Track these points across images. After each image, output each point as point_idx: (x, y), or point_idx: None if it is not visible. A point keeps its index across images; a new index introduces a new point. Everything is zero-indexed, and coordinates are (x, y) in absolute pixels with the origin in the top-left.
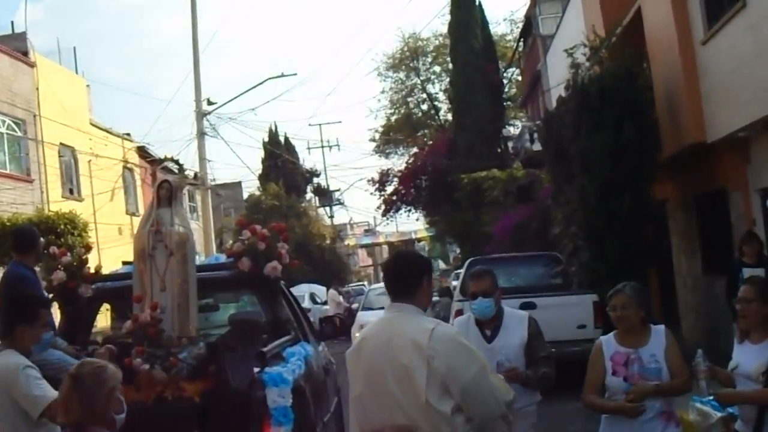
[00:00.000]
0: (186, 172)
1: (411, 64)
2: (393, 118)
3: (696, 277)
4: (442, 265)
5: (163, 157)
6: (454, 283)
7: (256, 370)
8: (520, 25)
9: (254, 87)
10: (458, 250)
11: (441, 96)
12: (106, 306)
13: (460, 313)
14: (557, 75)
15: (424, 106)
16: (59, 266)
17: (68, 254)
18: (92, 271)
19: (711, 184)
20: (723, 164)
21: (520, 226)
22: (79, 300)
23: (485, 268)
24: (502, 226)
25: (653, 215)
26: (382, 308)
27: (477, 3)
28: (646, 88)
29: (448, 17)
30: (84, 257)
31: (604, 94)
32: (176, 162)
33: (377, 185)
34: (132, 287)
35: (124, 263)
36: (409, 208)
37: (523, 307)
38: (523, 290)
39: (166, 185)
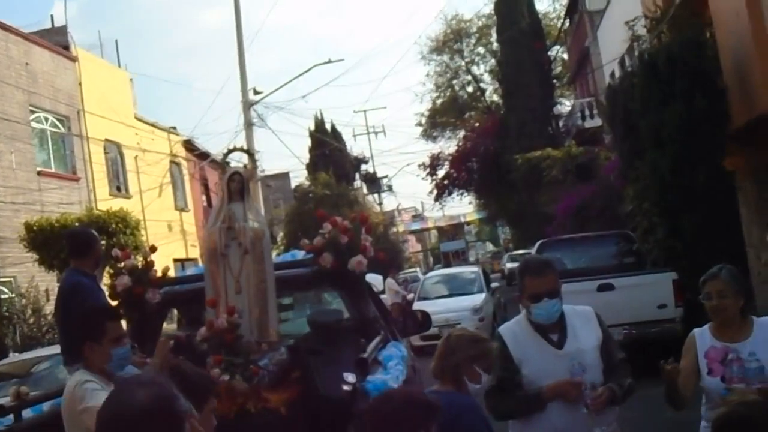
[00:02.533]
0: (257, 162)
1: (455, 47)
2: (438, 102)
3: None
4: (491, 246)
5: (228, 148)
6: (509, 265)
7: (352, 378)
8: (564, 2)
9: (301, 74)
10: (509, 232)
11: (486, 77)
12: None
13: None
14: (609, 51)
15: (470, 88)
16: (123, 270)
17: (131, 256)
18: (159, 274)
19: None
20: None
21: (583, 205)
22: (146, 306)
23: (545, 260)
24: (564, 206)
25: (728, 188)
26: (441, 297)
27: None
28: (713, 58)
29: None
30: (150, 259)
31: (673, 65)
32: (246, 151)
33: (428, 169)
34: (203, 290)
35: (176, 261)
36: (461, 191)
37: (601, 288)
38: (597, 271)
39: (237, 177)
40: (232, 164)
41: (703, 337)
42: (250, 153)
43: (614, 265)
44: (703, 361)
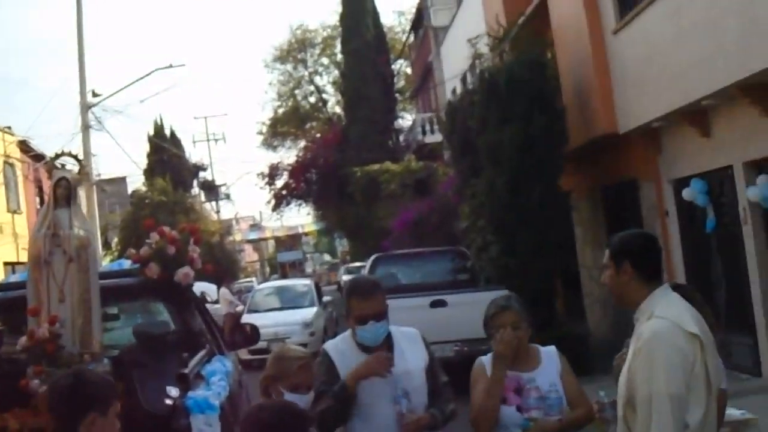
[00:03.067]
0: (85, 168)
1: (299, 56)
2: (280, 111)
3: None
4: (328, 258)
5: (56, 152)
6: (345, 277)
7: (174, 392)
8: (409, 16)
9: (142, 78)
10: (346, 244)
11: (329, 88)
12: None
13: None
14: (452, 67)
15: (312, 99)
16: None
17: None
18: None
19: (620, 175)
20: (633, 155)
21: (420, 220)
22: None
23: (373, 281)
24: (401, 221)
25: (563, 208)
26: (271, 310)
27: None
28: (553, 78)
29: (338, 8)
30: None
31: (513, 85)
32: (74, 157)
33: (267, 179)
34: (26, 298)
35: (6, 264)
36: (299, 202)
37: (434, 304)
38: (431, 287)
39: (63, 183)
40: (68, 167)
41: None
42: (78, 158)
43: (448, 281)
44: None
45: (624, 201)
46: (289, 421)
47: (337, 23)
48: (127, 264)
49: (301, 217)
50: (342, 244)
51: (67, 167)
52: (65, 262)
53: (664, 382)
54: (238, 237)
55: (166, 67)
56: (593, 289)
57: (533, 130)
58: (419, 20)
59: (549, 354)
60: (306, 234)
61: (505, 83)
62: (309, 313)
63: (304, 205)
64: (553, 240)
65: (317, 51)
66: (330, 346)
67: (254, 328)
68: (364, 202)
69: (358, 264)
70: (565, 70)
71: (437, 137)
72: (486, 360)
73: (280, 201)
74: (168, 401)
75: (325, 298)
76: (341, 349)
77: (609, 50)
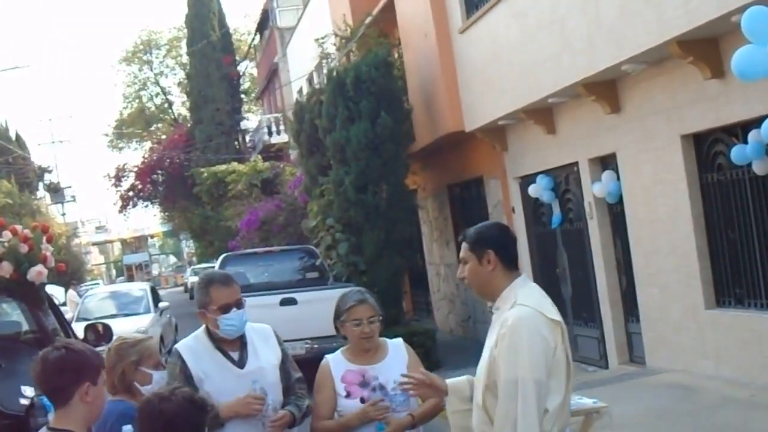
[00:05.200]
0: None
1: (144, 57)
2: (126, 112)
3: (450, 266)
4: (174, 260)
5: None
6: (192, 278)
7: (30, 392)
8: (255, 18)
9: None
10: (192, 245)
11: (175, 89)
12: None
13: None
14: (298, 67)
15: (158, 100)
16: None
17: None
18: None
19: (466, 173)
20: (479, 153)
21: (267, 220)
22: None
23: (228, 273)
24: (248, 221)
25: (410, 206)
26: (103, 318)
27: None
28: (400, 78)
29: (184, 9)
30: None
31: (360, 84)
32: None
33: (113, 180)
34: None
35: None
36: (146, 203)
37: (284, 302)
38: (281, 286)
39: None
40: None
41: (337, 362)
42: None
43: (297, 279)
44: (340, 385)
45: (470, 198)
46: (193, 411)
47: (183, 24)
48: None
49: (147, 218)
50: (188, 246)
51: None
52: None
53: (528, 367)
54: (84, 239)
55: (11, 69)
56: (440, 286)
57: (380, 128)
58: (265, 21)
59: (396, 346)
60: (152, 236)
61: (352, 82)
62: (144, 320)
63: (150, 206)
64: (400, 238)
65: (163, 52)
66: (182, 346)
67: (106, 327)
68: (211, 202)
69: (204, 265)
70: (412, 70)
71: (283, 138)
72: (332, 359)
73: (126, 202)
74: (24, 400)
75: (162, 304)
76: (194, 349)
77: (455, 49)
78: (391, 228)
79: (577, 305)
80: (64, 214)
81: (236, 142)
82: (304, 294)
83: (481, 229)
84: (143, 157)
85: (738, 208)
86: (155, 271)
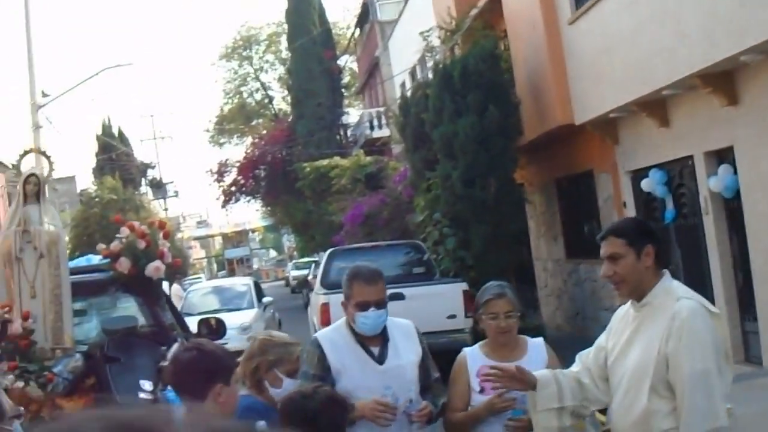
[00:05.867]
0: (53, 165)
1: (244, 53)
2: (226, 108)
3: (558, 261)
4: (274, 254)
5: (25, 149)
6: (294, 272)
7: (148, 386)
8: (355, 11)
9: (90, 78)
10: (293, 240)
11: (275, 85)
12: None
13: (326, 306)
14: (401, 61)
15: (258, 96)
16: None
17: None
18: None
19: (575, 167)
20: (589, 146)
21: (371, 214)
22: None
23: (376, 269)
24: (353, 215)
25: (518, 201)
26: (206, 313)
27: None
28: (507, 71)
29: (283, 4)
30: None
31: (467, 77)
32: (43, 153)
33: (216, 176)
34: None
35: None
36: (248, 198)
37: (392, 298)
38: (388, 280)
39: (33, 179)
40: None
41: (474, 356)
42: (46, 155)
43: (405, 274)
44: (475, 380)
45: (579, 193)
46: (335, 409)
47: (282, 20)
48: (95, 259)
49: (248, 213)
50: (289, 240)
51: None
52: (36, 258)
53: (712, 357)
54: (186, 234)
55: (114, 66)
56: (547, 281)
57: (488, 122)
58: (365, 15)
59: (536, 346)
60: (253, 230)
61: (459, 76)
62: (247, 315)
63: (252, 201)
64: (508, 233)
65: (262, 48)
66: (322, 336)
67: (219, 322)
68: (313, 197)
69: (306, 259)
70: (519, 62)
71: (385, 132)
72: (469, 352)
73: (229, 197)
74: (144, 394)
75: (266, 299)
76: (334, 340)
77: (564, 41)
78: (498, 223)
79: None
80: (166, 210)
81: (338, 137)
82: (411, 289)
83: (636, 223)
84: (245, 152)
85: None
86: (255, 265)
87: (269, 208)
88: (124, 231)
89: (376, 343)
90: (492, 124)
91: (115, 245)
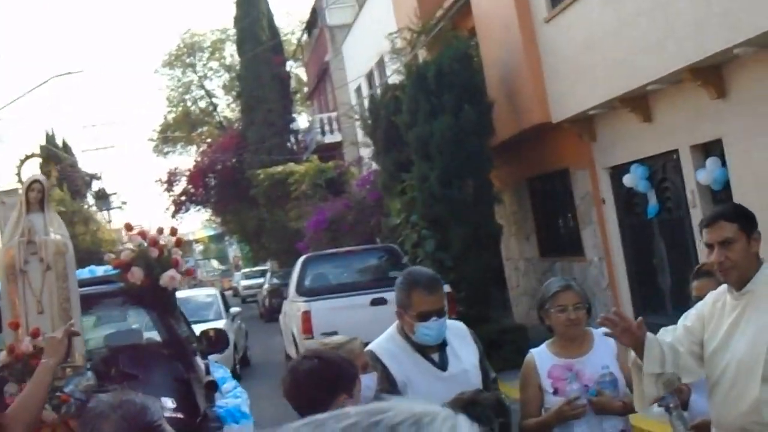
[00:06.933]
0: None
1: (187, 60)
2: (170, 117)
3: (531, 260)
4: (217, 264)
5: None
6: (243, 282)
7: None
8: (300, 16)
9: (38, 87)
10: (240, 249)
11: (219, 92)
12: None
13: (308, 315)
14: (355, 65)
15: (202, 103)
16: None
17: None
18: None
19: (549, 165)
20: (564, 144)
21: (336, 219)
22: None
23: (435, 275)
24: (316, 221)
25: (492, 201)
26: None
27: None
28: (479, 71)
29: (228, 11)
30: None
31: (441, 77)
32: (48, 158)
33: (166, 185)
34: None
35: None
36: (198, 207)
37: (375, 302)
38: (367, 286)
39: (37, 186)
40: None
41: (542, 356)
42: (54, 159)
43: (384, 278)
44: (546, 381)
45: (555, 191)
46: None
47: (227, 26)
48: (100, 270)
49: (191, 224)
50: (234, 250)
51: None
52: (42, 270)
53: None
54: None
55: (63, 74)
56: (519, 281)
57: (464, 122)
58: (314, 20)
59: (603, 338)
60: (196, 241)
61: (434, 76)
62: (217, 326)
63: (202, 210)
64: (487, 233)
65: (206, 55)
66: (378, 348)
67: (220, 333)
68: (268, 204)
69: (258, 268)
70: (491, 62)
71: (336, 137)
72: (536, 353)
73: (179, 207)
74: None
75: (234, 309)
76: (392, 351)
77: (540, 40)
78: (476, 224)
79: (676, 296)
80: (110, 222)
81: (288, 143)
82: (393, 293)
83: (743, 209)
84: (195, 160)
85: None
86: (199, 276)
87: (220, 217)
88: (136, 239)
89: (434, 350)
90: (468, 123)
91: (125, 254)
